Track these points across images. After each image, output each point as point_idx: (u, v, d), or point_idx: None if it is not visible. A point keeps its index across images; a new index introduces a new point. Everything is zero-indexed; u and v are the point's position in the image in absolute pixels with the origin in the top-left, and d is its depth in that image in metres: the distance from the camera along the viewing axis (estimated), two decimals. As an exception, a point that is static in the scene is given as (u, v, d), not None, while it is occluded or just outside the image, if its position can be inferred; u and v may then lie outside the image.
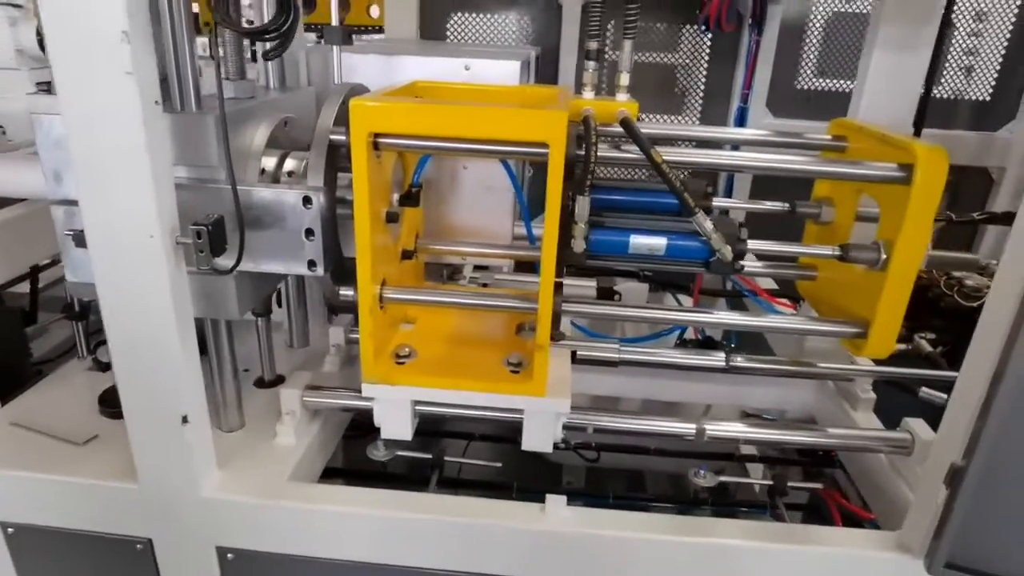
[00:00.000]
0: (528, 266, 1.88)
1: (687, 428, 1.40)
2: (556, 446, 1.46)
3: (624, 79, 1.31)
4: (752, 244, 1.40)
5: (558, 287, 1.29)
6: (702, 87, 2.77)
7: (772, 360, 1.56)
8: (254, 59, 1.54)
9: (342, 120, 1.26)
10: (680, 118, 2.83)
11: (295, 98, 1.50)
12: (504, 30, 2.85)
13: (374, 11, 2.93)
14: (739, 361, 1.49)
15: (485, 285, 1.99)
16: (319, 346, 1.83)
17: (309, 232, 1.19)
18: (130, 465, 1.23)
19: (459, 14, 2.83)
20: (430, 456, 1.56)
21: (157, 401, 1.16)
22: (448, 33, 2.80)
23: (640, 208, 1.31)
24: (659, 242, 1.24)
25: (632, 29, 1.29)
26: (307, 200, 1.16)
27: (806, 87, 2.71)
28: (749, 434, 1.40)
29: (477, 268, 2.01)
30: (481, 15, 2.82)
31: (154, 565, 1.33)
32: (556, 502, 1.29)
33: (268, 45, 1.23)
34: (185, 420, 1.17)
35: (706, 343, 2.04)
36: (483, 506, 1.29)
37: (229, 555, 1.30)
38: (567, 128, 1.10)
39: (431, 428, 1.85)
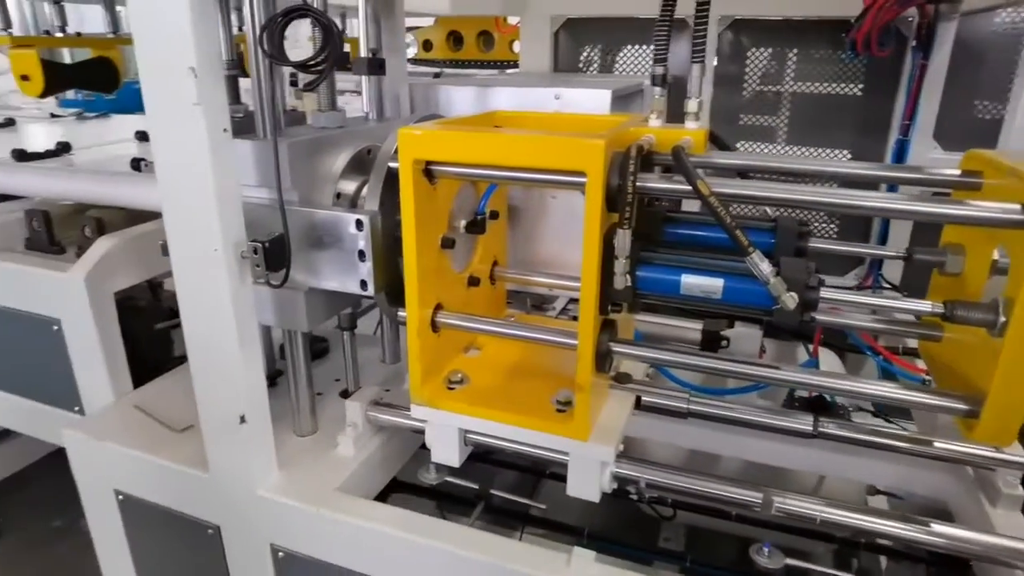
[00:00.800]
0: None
1: (752, 497, 1.24)
2: (625, 494, 1.38)
3: (692, 106, 1.22)
4: (842, 294, 1.22)
5: (607, 325, 1.22)
6: (854, 118, 2.49)
7: (880, 432, 1.32)
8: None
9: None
10: (825, 152, 2.56)
11: (386, 128, 1.59)
12: (639, 62, 2.80)
13: (517, 46, 3.03)
14: (830, 428, 1.29)
15: (575, 318, 1.94)
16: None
17: (361, 254, 1.24)
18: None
19: (592, 47, 2.83)
20: (475, 487, 1.53)
21: (220, 400, 1.28)
22: (581, 65, 2.81)
23: (715, 246, 1.20)
24: (715, 283, 1.12)
25: (700, 52, 1.20)
26: (359, 223, 1.22)
27: (988, 116, 2.32)
28: (827, 514, 1.20)
29: (574, 301, 1.97)
30: (617, 47, 2.80)
31: (222, 551, 1.45)
32: (583, 557, 1.20)
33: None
34: (243, 420, 1.27)
35: (816, 401, 1.79)
36: (507, 547, 1.24)
37: (280, 553, 1.38)
38: (605, 157, 1.04)
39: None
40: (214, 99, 1.09)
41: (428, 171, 1.19)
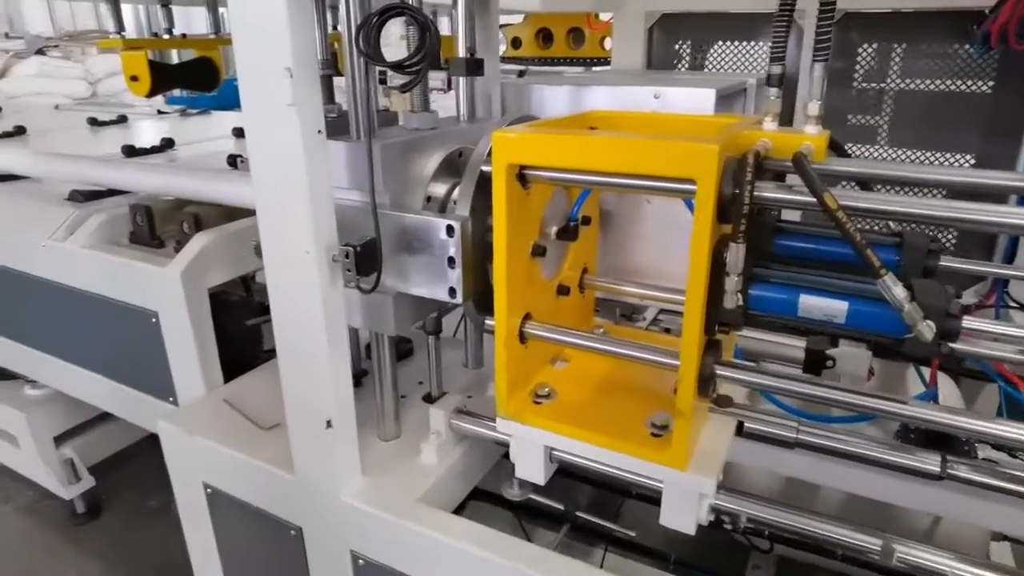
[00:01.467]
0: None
1: (870, 543, 1.12)
2: (721, 525, 1.28)
3: (813, 108, 1.10)
4: (986, 324, 1.08)
5: (712, 345, 1.13)
6: (980, 119, 2.26)
7: (1020, 478, 1.17)
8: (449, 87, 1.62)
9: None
10: (945, 157, 2.34)
11: (479, 129, 1.55)
12: (739, 59, 2.65)
13: (608, 43, 2.93)
14: (960, 471, 1.15)
15: (668, 331, 1.84)
16: (491, 368, 1.85)
17: (451, 261, 1.20)
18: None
19: (686, 42, 2.69)
20: (560, 507, 1.47)
21: (307, 403, 1.27)
22: (676, 62, 2.69)
23: (834, 261, 1.09)
24: (838, 306, 1.01)
25: (825, 50, 1.08)
26: (450, 229, 1.18)
27: None
28: (960, 571, 1.06)
29: (665, 311, 1.87)
30: (716, 43, 2.66)
31: (304, 553, 1.45)
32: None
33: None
34: (329, 424, 1.25)
35: (935, 432, 1.61)
36: (584, 573, 1.17)
37: (360, 561, 1.36)
38: (719, 163, 0.95)
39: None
40: (309, 100, 1.07)
41: (521, 175, 1.14)
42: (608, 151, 1.03)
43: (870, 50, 2.41)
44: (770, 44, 1.12)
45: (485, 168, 1.22)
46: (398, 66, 1.11)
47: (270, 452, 1.46)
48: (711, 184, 0.96)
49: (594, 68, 3.06)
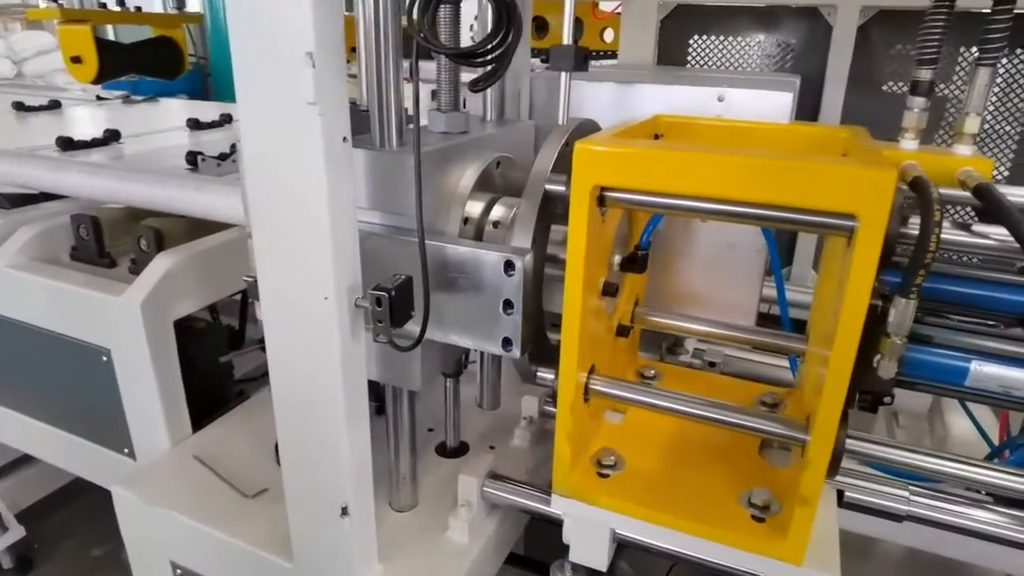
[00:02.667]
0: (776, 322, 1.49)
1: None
2: None
3: (971, 124, 0.89)
4: None
5: (842, 418, 0.91)
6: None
7: None
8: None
9: (563, 164, 1.01)
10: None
11: (512, 133, 1.29)
12: (754, 56, 2.45)
13: (608, 35, 2.69)
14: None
15: (713, 364, 1.63)
16: (510, 409, 1.60)
17: (508, 304, 0.94)
18: (290, 537, 1.09)
19: (702, 37, 2.48)
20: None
21: (317, 484, 0.99)
22: (689, 58, 2.47)
23: (982, 308, 0.88)
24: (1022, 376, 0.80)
25: (994, 52, 0.86)
26: (509, 266, 0.92)
27: None
28: None
29: (708, 342, 1.66)
30: (730, 38, 2.45)
31: (302, 653, 1.17)
32: None
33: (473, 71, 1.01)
34: (345, 512, 0.98)
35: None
36: None
37: (379, 671, 1.10)
38: (895, 196, 0.73)
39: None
40: (334, 97, 0.79)
41: (600, 198, 0.89)
42: (742, 175, 0.79)
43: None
44: (917, 45, 0.90)
45: (550, 187, 0.97)
46: (468, 55, 0.84)
47: (258, 529, 1.18)
48: (881, 220, 0.73)
49: (595, 63, 2.82)
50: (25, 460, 2.23)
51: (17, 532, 2.21)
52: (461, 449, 1.44)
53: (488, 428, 1.53)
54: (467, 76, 1.17)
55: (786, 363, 1.64)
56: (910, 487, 1.08)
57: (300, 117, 0.77)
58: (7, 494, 2.18)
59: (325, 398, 0.92)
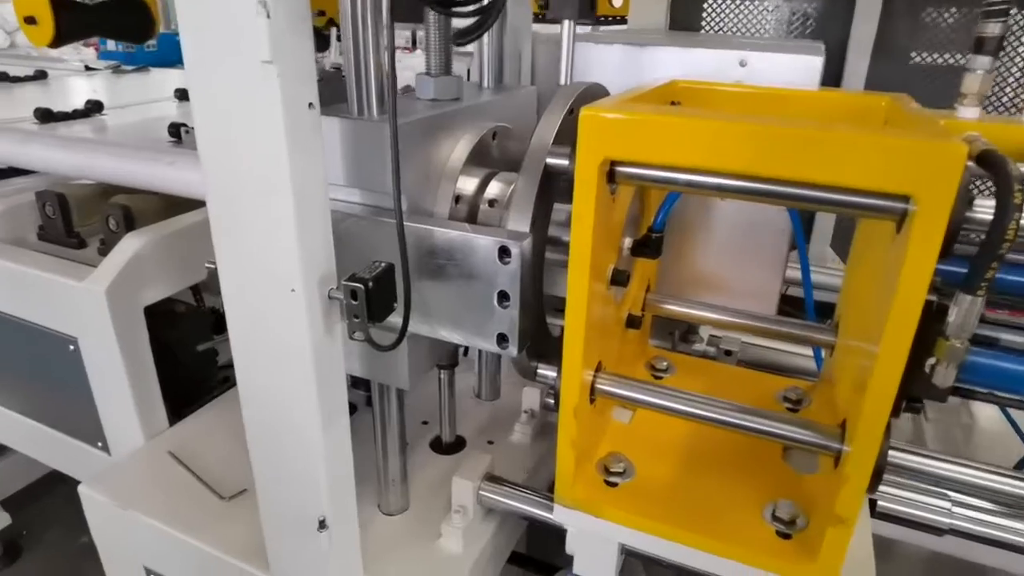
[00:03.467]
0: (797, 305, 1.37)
1: None
2: None
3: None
4: None
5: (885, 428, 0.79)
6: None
7: None
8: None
9: (567, 135, 0.89)
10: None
11: (511, 101, 1.16)
12: (771, 22, 2.29)
13: (616, 0, 2.54)
14: None
15: (729, 353, 1.52)
16: (510, 401, 1.50)
17: (503, 296, 0.82)
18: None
19: (717, 1, 2.32)
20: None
21: (291, 496, 0.89)
22: (704, 23, 2.32)
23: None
24: (1104, 383, 0.68)
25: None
26: (504, 252, 0.80)
27: None
28: None
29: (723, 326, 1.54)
30: (746, 3, 2.29)
31: (282, 668, 1.08)
32: None
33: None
34: (323, 525, 0.88)
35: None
36: None
37: None
38: (963, 174, 0.60)
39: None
40: (297, 54, 0.67)
41: (610, 174, 0.77)
42: (773, 148, 0.66)
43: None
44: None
45: (552, 161, 0.84)
46: (449, 2, 0.71)
47: (235, 536, 1.08)
48: (945, 203, 0.61)
49: (602, 28, 2.67)
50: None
51: (3, 519, 2.14)
52: (457, 444, 1.34)
53: (487, 421, 1.43)
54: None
55: (807, 351, 1.53)
56: (951, 496, 0.98)
57: (255, 78, 0.65)
58: (-9, 481, 2.11)
59: (297, 403, 0.81)
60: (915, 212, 0.63)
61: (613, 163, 0.76)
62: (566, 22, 0.95)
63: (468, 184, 0.98)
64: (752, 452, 1.03)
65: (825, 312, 1.28)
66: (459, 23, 0.87)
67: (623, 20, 2.44)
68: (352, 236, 0.87)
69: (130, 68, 3.38)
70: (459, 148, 0.97)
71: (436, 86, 1.00)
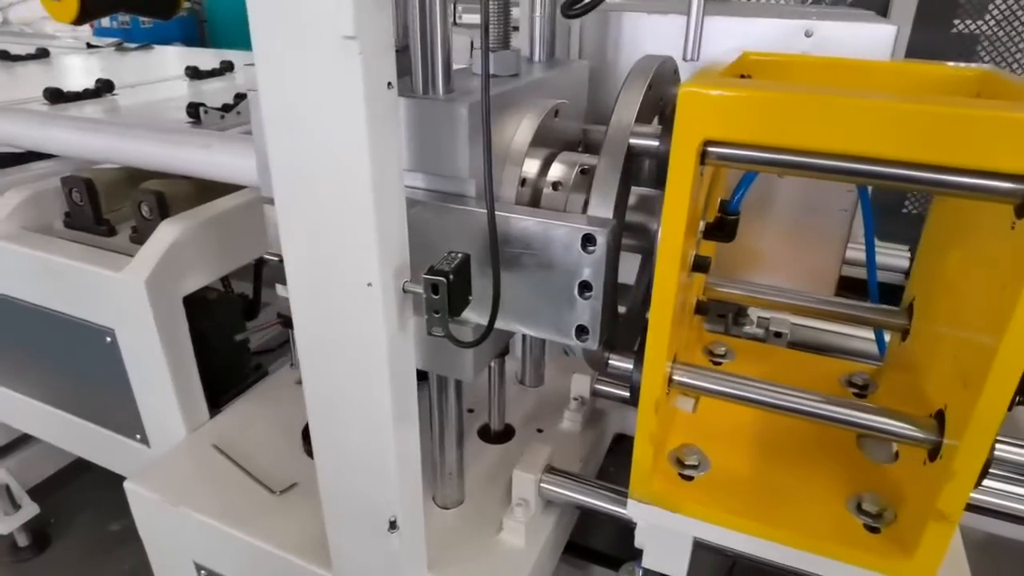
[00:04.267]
0: (852, 287, 1.33)
1: None
2: None
3: None
4: None
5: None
6: None
7: None
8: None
9: (641, 114, 0.83)
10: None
11: (564, 76, 1.11)
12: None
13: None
14: None
15: (779, 335, 1.48)
16: (555, 386, 1.46)
17: (585, 287, 0.78)
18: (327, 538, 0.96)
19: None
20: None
21: (361, 496, 0.86)
22: (736, -10, 2.23)
23: None
24: None
25: None
26: (588, 240, 0.75)
27: None
28: None
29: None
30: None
31: (343, 664, 1.06)
32: None
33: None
34: (393, 525, 0.85)
35: None
36: None
37: None
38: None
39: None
40: (379, 29, 0.62)
41: (702, 155, 0.72)
42: (896, 126, 0.61)
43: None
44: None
45: (637, 143, 0.79)
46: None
47: (291, 531, 1.06)
48: (1091, 184, 0.56)
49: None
50: (34, 435, 2.13)
51: (31, 509, 2.12)
52: (506, 433, 1.31)
53: (533, 408, 1.40)
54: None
55: (861, 332, 1.49)
56: (1034, 484, 0.94)
57: (335, 56, 0.60)
58: (18, 470, 2.08)
59: (369, 400, 0.78)
60: (1045, 194, 0.58)
61: (706, 143, 0.71)
62: None
63: (532, 166, 0.93)
64: (823, 440, 1.00)
65: (883, 293, 1.25)
66: None
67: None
68: (417, 224, 0.82)
69: (133, 46, 3.30)
70: (523, 128, 0.92)
71: (496, 61, 0.95)
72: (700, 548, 0.96)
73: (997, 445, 0.78)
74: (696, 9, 0.84)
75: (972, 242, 0.81)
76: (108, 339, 1.27)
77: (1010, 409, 0.71)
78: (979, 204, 0.73)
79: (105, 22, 5.68)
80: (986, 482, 0.93)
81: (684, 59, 0.90)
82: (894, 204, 2.36)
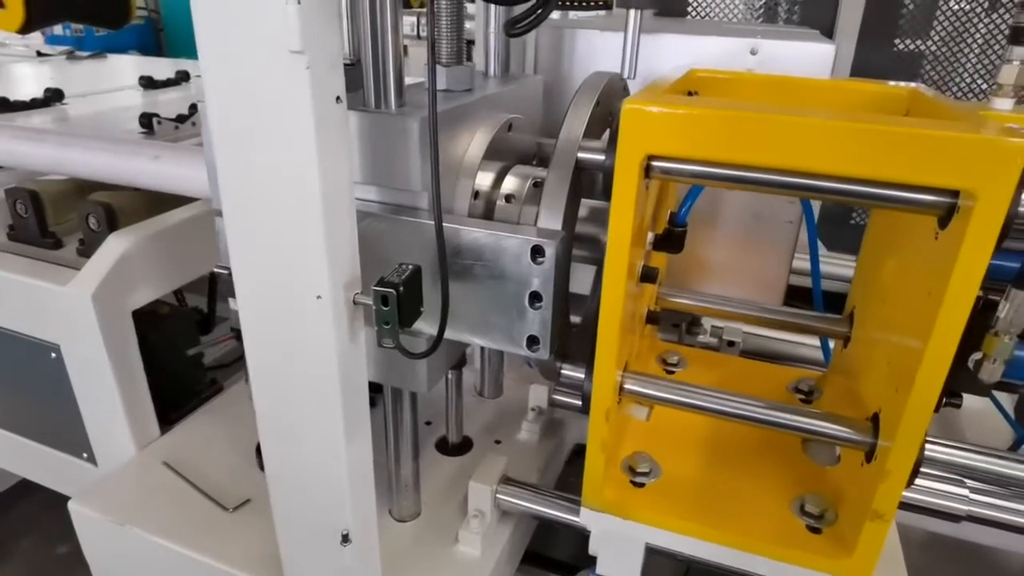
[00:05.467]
0: (803, 297, 1.37)
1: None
2: None
3: (1087, 75, 0.75)
4: None
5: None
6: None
7: None
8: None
9: (592, 129, 0.86)
10: None
11: (519, 90, 1.12)
12: (759, 8, 2.29)
13: (599, -17, 2.50)
14: None
15: (732, 344, 1.52)
16: (513, 397, 1.47)
17: (535, 297, 0.79)
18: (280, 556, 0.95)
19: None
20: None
21: (313, 510, 0.85)
22: (691, 9, 2.30)
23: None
24: None
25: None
26: (537, 252, 0.77)
27: None
28: None
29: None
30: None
31: None
32: None
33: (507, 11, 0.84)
34: (346, 539, 0.84)
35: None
36: None
37: None
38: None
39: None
40: (326, 44, 0.63)
41: (646, 169, 0.74)
42: (834, 143, 0.64)
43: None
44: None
45: (584, 156, 0.81)
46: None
47: (242, 548, 1.04)
48: (1003, 198, 0.60)
49: (573, 14, 2.62)
50: (-25, 455, 2.04)
51: (-29, 533, 2.03)
52: (464, 445, 1.31)
53: (491, 419, 1.40)
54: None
55: (807, 340, 1.54)
56: (967, 483, 0.99)
57: (282, 70, 0.61)
58: (-42, 492, 2.00)
59: (320, 413, 0.77)
60: (969, 207, 0.62)
61: (650, 158, 0.73)
62: (632, 12, 0.90)
63: (485, 179, 0.94)
64: (770, 445, 1.03)
65: (829, 301, 1.29)
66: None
67: (607, 5, 2.41)
68: (369, 237, 0.83)
69: (85, 54, 3.23)
70: (476, 141, 0.93)
71: (449, 76, 0.96)
72: (653, 553, 0.97)
73: (928, 445, 0.81)
74: (632, 29, 0.86)
75: (904, 252, 0.85)
76: (53, 355, 1.24)
77: (937, 410, 0.74)
78: (909, 216, 0.77)
79: (58, 30, 5.54)
80: (921, 481, 0.97)
81: (621, 77, 0.92)
82: (842, 215, 2.45)
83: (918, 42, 2.09)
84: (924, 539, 1.57)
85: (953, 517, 0.99)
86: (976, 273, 0.63)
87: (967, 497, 0.97)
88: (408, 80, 0.88)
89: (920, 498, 0.99)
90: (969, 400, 1.87)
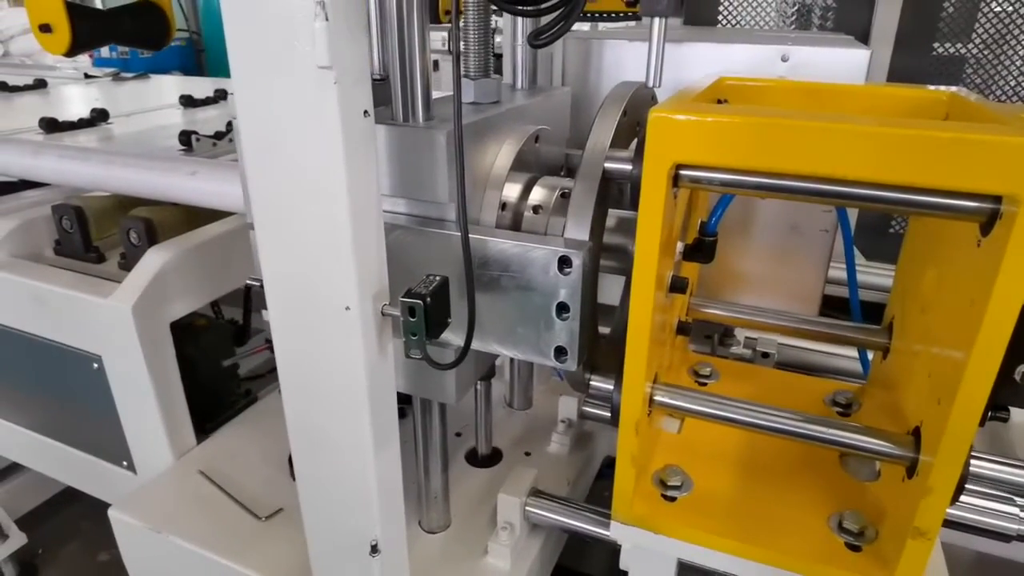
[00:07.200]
0: (840, 307, 1.34)
1: None
2: None
3: None
4: None
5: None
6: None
7: None
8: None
9: (619, 138, 0.85)
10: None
11: (546, 102, 1.13)
12: (791, 14, 2.26)
13: (628, -6, 2.50)
14: None
15: (766, 355, 1.48)
16: (543, 409, 1.46)
17: (562, 308, 0.79)
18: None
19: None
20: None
21: (342, 520, 0.86)
22: (721, 18, 2.28)
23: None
24: None
25: None
26: (565, 263, 0.77)
27: None
28: None
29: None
30: (762, -5, 2.26)
31: None
32: None
33: (532, 23, 0.84)
34: (375, 549, 0.84)
35: None
36: None
37: None
38: (1070, 172, 0.57)
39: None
40: (353, 60, 0.64)
41: (674, 178, 0.74)
42: (867, 149, 0.63)
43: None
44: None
45: (611, 166, 0.81)
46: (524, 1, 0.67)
47: (274, 557, 1.05)
48: (1046, 204, 0.58)
49: (602, 25, 2.61)
50: (22, 463, 2.11)
51: (19, 539, 2.09)
52: (494, 457, 1.31)
53: (521, 431, 1.40)
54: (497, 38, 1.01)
55: (845, 351, 1.50)
56: (1017, 501, 0.95)
57: (310, 86, 0.62)
58: (6, 499, 2.07)
59: (349, 424, 0.78)
60: (1013, 212, 0.59)
61: (678, 166, 0.73)
62: (656, 20, 0.90)
63: (512, 190, 0.94)
64: (807, 458, 1.00)
65: (867, 312, 1.26)
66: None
67: (636, 16, 2.41)
68: (398, 248, 0.83)
69: (129, 75, 3.35)
70: (503, 153, 0.94)
71: (477, 89, 0.97)
72: (685, 569, 0.95)
73: (974, 461, 0.78)
74: (656, 37, 0.86)
75: (944, 260, 0.82)
76: (95, 365, 1.28)
77: (982, 424, 0.71)
78: (949, 223, 0.75)
79: (104, 52, 5.75)
80: (967, 498, 0.94)
81: (647, 86, 0.91)
82: (881, 224, 2.39)
83: (958, 46, 2.04)
84: (973, 559, 1.51)
85: (1003, 536, 0.95)
86: (1021, 280, 0.61)
87: (1017, 516, 0.93)
88: (437, 94, 0.89)
89: (966, 516, 0.95)
90: (1017, 414, 1.81)
